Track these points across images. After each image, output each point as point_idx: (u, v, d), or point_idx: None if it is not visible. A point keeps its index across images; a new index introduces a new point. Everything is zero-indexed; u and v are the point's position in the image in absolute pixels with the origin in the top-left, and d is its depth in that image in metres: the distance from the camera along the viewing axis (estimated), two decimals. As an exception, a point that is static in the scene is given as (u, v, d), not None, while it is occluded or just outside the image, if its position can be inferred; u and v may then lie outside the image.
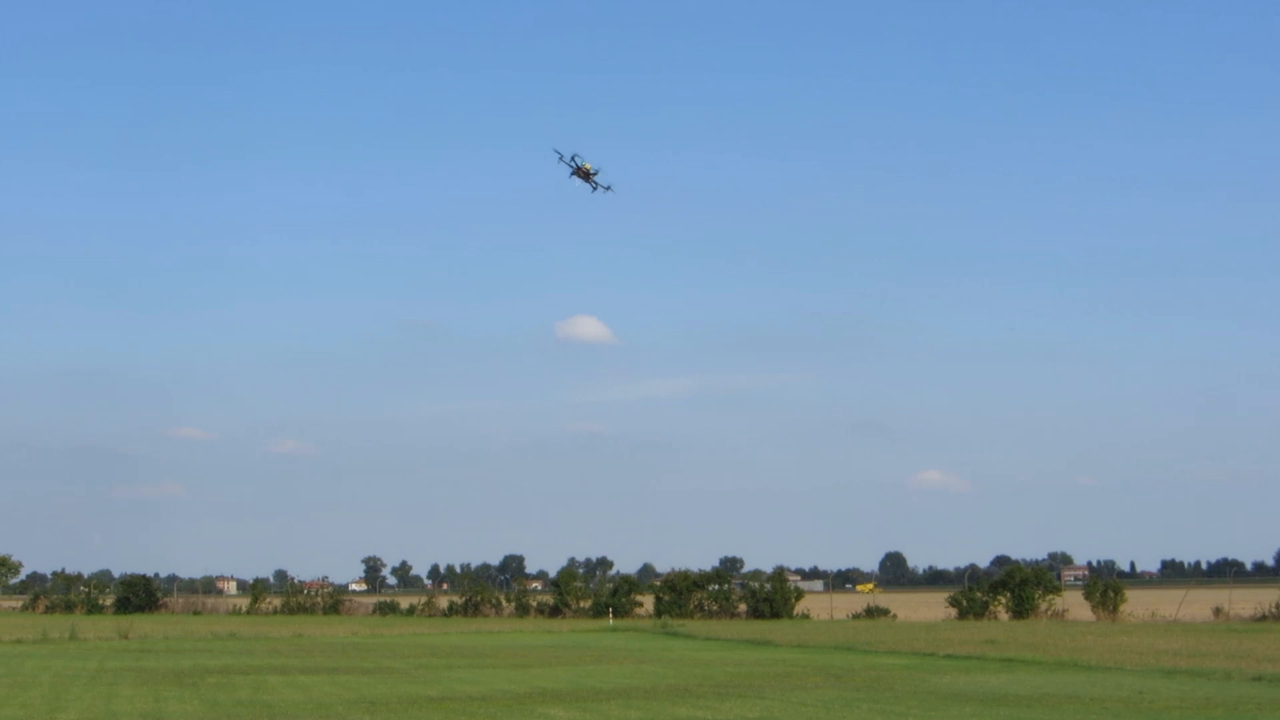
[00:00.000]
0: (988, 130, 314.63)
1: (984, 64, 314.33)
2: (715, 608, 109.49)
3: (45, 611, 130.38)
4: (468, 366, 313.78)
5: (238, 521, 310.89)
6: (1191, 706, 31.19)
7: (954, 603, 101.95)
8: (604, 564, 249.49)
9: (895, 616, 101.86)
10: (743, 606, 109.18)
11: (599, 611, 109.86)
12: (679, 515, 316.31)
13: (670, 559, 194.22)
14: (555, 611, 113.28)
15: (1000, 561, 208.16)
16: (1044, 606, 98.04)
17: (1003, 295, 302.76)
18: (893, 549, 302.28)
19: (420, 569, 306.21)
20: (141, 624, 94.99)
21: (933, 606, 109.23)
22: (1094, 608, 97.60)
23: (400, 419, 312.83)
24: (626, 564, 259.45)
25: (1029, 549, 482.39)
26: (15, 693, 39.00)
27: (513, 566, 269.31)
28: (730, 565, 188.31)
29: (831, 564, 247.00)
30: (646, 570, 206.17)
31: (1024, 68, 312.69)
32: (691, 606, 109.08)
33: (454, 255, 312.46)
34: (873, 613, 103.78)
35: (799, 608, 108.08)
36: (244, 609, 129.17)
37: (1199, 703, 32.04)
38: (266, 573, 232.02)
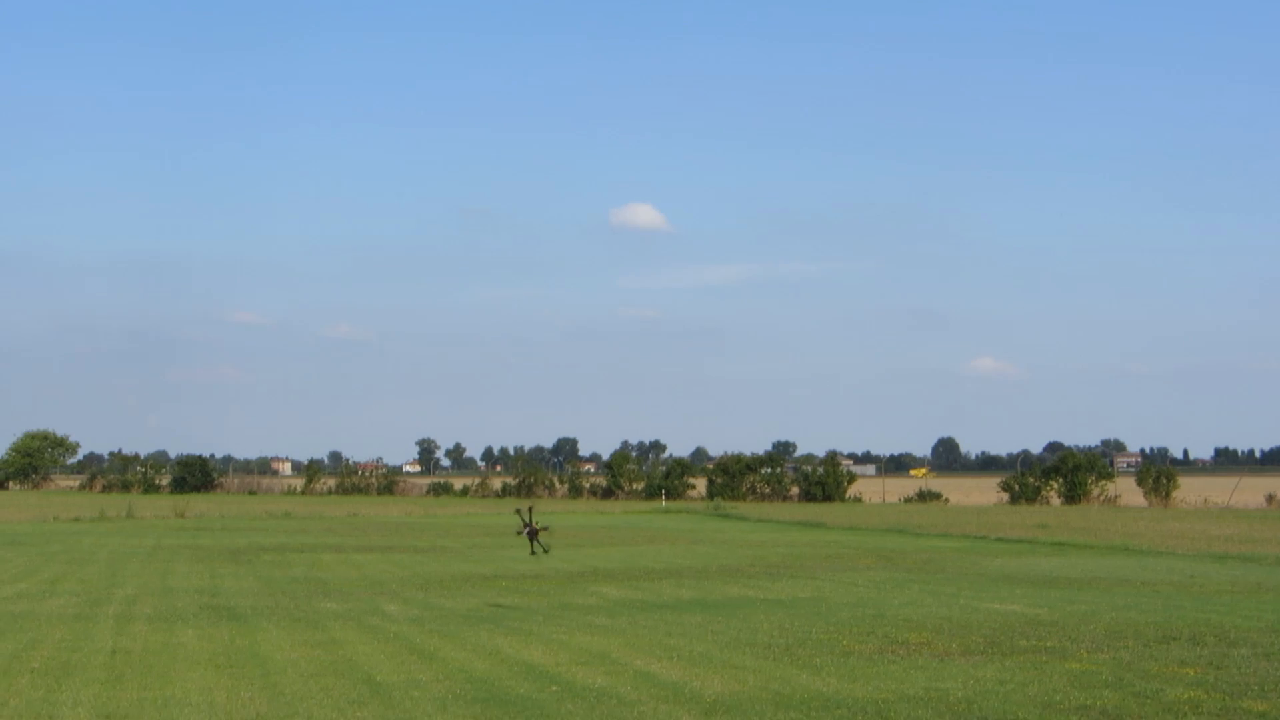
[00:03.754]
0: (1050, 14, 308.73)
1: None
2: (767, 490, 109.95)
3: (102, 491, 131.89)
4: (522, 253, 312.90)
5: (293, 405, 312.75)
6: (1242, 591, 31.09)
7: (1006, 488, 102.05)
8: (657, 447, 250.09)
9: (947, 501, 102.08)
10: (795, 489, 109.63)
11: (651, 493, 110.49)
12: (732, 401, 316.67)
13: (723, 443, 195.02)
14: (608, 493, 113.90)
15: (1053, 448, 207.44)
16: (1096, 492, 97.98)
17: (1060, 185, 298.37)
18: (946, 435, 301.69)
19: (474, 451, 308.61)
20: (197, 503, 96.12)
21: (985, 491, 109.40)
22: (1146, 494, 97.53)
23: (455, 304, 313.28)
24: (679, 448, 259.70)
25: (1082, 436, 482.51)
26: (74, 568, 39.59)
27: (566, 449, 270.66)
28: (783, 449, 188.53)
29: (884, 449, 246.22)
30: (699, 454, 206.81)
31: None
32: (744, 489, 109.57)
33: (509, 142, 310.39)
34: (925, 497, 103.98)
35: (851, 491, 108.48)
36: (299, 489, 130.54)
37: (1249, 588, 31.94)
38: (321, 454, 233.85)
